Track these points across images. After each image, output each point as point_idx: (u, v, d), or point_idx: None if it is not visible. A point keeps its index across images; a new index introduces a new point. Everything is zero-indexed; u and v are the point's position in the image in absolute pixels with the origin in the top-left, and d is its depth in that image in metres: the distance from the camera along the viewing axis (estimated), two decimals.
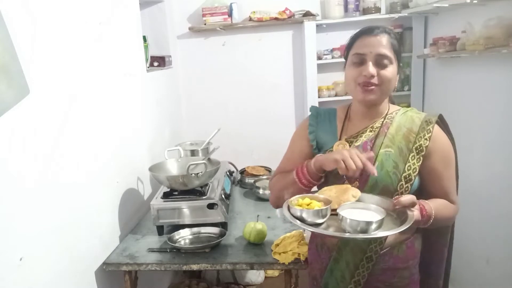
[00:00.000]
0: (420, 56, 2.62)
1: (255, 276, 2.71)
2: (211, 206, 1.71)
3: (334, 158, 1.07)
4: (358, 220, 0.97)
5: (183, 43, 3.08)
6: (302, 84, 3.10)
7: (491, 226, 2.05)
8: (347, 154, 1.05)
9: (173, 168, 1.95)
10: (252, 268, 1.54)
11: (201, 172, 1.71)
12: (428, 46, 2.44)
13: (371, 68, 1.13)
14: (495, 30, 1.76)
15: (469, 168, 2.10)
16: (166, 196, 1.79)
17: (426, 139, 1.17)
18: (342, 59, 2.98)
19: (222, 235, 1.66)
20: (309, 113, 1.35)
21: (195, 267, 1.55)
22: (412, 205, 1.05)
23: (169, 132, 2.68)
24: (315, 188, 1.23)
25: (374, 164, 1.15)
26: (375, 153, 1.19)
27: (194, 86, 3.15)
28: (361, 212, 1.04)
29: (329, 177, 1.20)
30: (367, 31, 1.18)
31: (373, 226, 0.97)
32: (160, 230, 1.78)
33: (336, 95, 3.03)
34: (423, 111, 1.28)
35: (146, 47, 2.27)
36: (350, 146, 1.22)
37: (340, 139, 1.25)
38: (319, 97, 2.99)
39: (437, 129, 1.20)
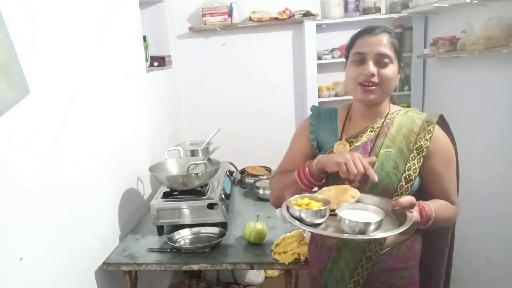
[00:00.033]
0: (420, 56, 2.62)
1: (255, 276, 2.71)
2: (211, 206, 1.71)
3: (337, 161, 1.07)
4: (357, 221, 0.97)
5: (183, 43, 3.08)
6: (302, 84, 3.10)
7: (491, 226, 2.05)
8: (349, 158, 1.05)
9: (173, 168, 1.95)
10: (252, 268, 1.54)
11: (201, 172, 1.71)
12: (428, 46, 2.44)
13: (372, 67, 1.14)
14: (495, 30, 1.76)
15: (469, 168, 2.10)
16: (166, 196, 1.79)
17: (426, 139, 1.17)
18: (342, 59, 2.99)
19: (222, 235, 1.66)
20: (310, 113, 1.35)
21: (195, 267, 1.55)
22: (411, 206, 1.05)
23: (169, 132, 2.68)
24: (315, 188, 1.23)
25: (374, 165, 1.15)
26: (375, 153, 1.19)
27: (194, 86, 3.15)
28: (359, 213, 1.04)
29: (329, 177, 1.20)
30: (367, 31, 1.18)
31: (372, 227, 0.97)
32: (160, 230, 1.78)
33: (336, 95, 3.03)
34: (423, 111, 1.27)
35: (146, 47, 2.27)
36: (350, 146, 1.22)
37: (340, 139, 1.25)
38: (319, 97, 2.99)
39: (438, 130, 1.19)
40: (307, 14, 2.86)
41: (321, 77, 3.02)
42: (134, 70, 2.05)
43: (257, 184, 2.22)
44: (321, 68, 2.99)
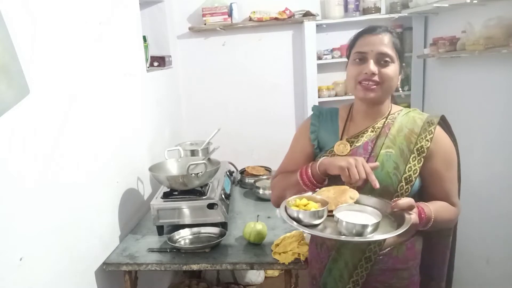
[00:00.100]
0: (420, 56, 2.62)
1: (255, 276, 2.71)
2: (211, 206, 1.71)
3: (339, 165, 1.07)
4: (354, 223, 0.97)
5: (183, 43, 3.08)
6: (302, 84, 3.10)
7: (491, 226, 2.05)
8: (352, 163, 1.05)
9: (173, 168, 1.95)
10: (252, 268, 1.54)
11: (201, 172, 1.71)
12: (428, 46, 2.44)
13: (372, 66, 1.14)
14: (495, 30, 1.76)
15: (469, 168, 2.09)
16: (166, 196, 1.79)
17: (427, 140, 1.17)
18: (342, 59, 2.99)
19: (222, 235, 1.66)
20: (310, 113, 1.35)
21: (195, 267, 1.55)
22: (410, 208, 1.05)
23: (169, 132, 2.68)
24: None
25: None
26: (375, 153, 1.19)
27: (194, 86, 3.15)
28: (356, 214, 1.04)
29: (330, 178, 1.20)
30: (369, 30, 1.19)
31: (369, 229, 0.97)
32: (160, 230, 1.78)
33: (336, 95, 3.03)
34: (423, 111, 1.27)
35: (146, 47, 2.27)
36: (351, 146, 1.22)
37: (341, 139, 1.25)
38: (319, 97, 2.99)
39: (439, 131, 1.19)
40: (307, 14, 2.86)
41: (321, 77, 3.02)
42: (134, 70, 2.05)
43: (257, 184, 2.22)
44: (321, 68, 2.99)
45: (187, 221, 1.74)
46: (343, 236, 0.99)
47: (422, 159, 1.16)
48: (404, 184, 1.15)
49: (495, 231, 2.02)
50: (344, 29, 2.92)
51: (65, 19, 1.40)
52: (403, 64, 1.22)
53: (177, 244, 1.63)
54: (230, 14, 2.88)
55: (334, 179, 1.18)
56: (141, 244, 1.71)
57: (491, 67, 1.99)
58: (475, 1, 1.84)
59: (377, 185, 1.05)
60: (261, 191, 2.14)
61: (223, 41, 3.08)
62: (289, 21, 2.90)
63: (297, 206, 1.09)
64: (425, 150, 1.16)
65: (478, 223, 2.12)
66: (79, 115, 1.46)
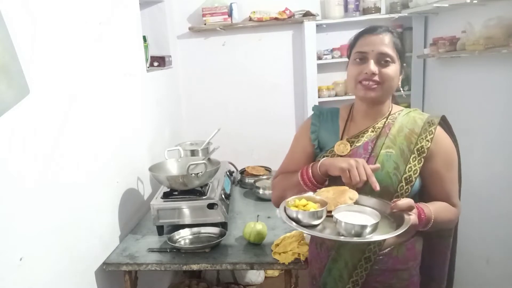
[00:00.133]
0: (420, 56, 2.62)
1: (255, 276, 2.71)
2: (211, 206, 1.71)
3: (340, 167, 1.07)
4: (353, 223, 0.97)
5: (183, 43, 3.08)
6: (302, 84, 3.10)
7: (491, 226, 2.05)
8: (353, 164, 1.05)
9: (173, 168, 1.95)
10: (252, 268, 1.54)
11: (201, 172, 1.71)
12: (428, 46, 2.44)
13: (372, 66, 1.14)
14: (495, 30, 1.76)
15: (469, 168, 2.09)
16: (166, 196, 1.79)
17: (427, 140, 1.17)
18: (342, 59, 2.99)
19: (222, 235, 1.66)
20: (310, 113, 1.35)
21: (195, 267, 1.55)
22: (410, 209, 1.04)
23: (169, 132, 2.68)
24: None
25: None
26: (376, 153, 1.19)
27: (194, 86, 3.15)
28: (355, 215, 1.04)
29: (330, 178, 1.20)
30: (369, 30, 1.19)
31: (368, 229, 0.97)
32: (160, 230, 1.78)
33: (336, 95, 3.03)
34: (423, 111, 1.27)
35: (146, 47, 2.27)
36: (351, 146, 1.22)
37: (341, 139, 1.25)
38: (319, 97, 2.99)
39: (439, 131, 1.19)
40: (307, 14, 2.86)
41: (321, 77, 3.02)
42: (134, 70, 2.05)
43: (257, 184, 2.22)
44: (321, 68, 2.99)
45: (187, 221, 1.74)
46: (342, 237, 0.99)
47: (422, 159, 1.16)
48: (404, 184, 1.15)
49: (495, 231, 2.02)
50: (344, 29, 2.92)
51: (65, 19, 1.40)
52: (404, 64, 1.22)
53: (177, 244, 1.63)
54: (230, 14, 2.88)
55: (334, 180, 1.18)
56: (141, 244, 1.71)
57: (491, 67, 1.99)
58: (475, 1, 1.84)
59: (377, 188, 1.05)
60: (261, 191, 2.14)
61: (223, 41, 3.08)
62: (289, 21, 2.90)
63: (296, 206, 1.09)
64: (426, 150, 1.16)
65: (478, 223, 2.12)
66: (79, 115, 1.46)
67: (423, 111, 1.27)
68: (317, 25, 2.88)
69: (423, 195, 1.22)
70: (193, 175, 1.70)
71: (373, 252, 1.18)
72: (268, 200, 2.07)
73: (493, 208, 2.03)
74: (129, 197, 1.91)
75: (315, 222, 1.06)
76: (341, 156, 1.21)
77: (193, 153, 2.23)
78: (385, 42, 1.15)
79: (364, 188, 1.14)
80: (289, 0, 2.92)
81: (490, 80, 2.01)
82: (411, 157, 1.16)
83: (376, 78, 1.14)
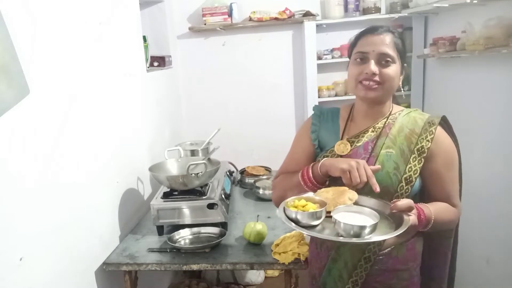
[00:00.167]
0: (420, 56, 2.62)
1: (255, 276, 2.71)
2: (211, 206, 1.71)
3: (341, 168, 1.07)
4: (352, 224, 0.97)
5: (183, 43, 3.08)
6: (302, 84, 3.10)
7: (491, 226, 2.05)
8: (354, 165, 1.05)
9: (173, 168, 1.95)
10: (252, 268, 1.54)
11: (201, 172, 1.71)
12: (428, 46, 2.44)
13: (373, 66, 1.14)
14: (495, 30, 1.76)
15: (469, 168, 2.09)
16: (166, 196, 1.79)
17: (428, 140, 1.17)
18: (342, 59, 2.99)
19: (222, 235, 1.66)
20: (310, 113, 1.36)
21: (195, 267, 1.55)
22: (409, 209, 1.04)
23: (169, 132, 2.68)
24: None
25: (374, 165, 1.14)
26: (376, 153, 1.19)
27: (194, 86, 3.15)
28: (354, 215, 1.04)
29: (331, 179, 1.20)
30: (370, 30, 1.19)
31: (367, 230, 0.97)
32: (160, 230, 1.77)
33: (336, 95, 3.03)
34: (423, 111, 1.27)
35: (146, 47, 2.27)
36: (351, 146, 1.22)
37: (342, 139, 1.25)
38: (319, 97, 2.99)
39: (440, 131, 1.19)
40: (307, 14, 2.86)
41: (321, 77, 3.02)
42: (134, 70, 2.05)
43: (257, 184, 2.22)
44: (321, 68, 2.99)
45: (187, 221, 1.74)
46: (341, 238, 0.99)
47: (423, 160, 1.16)
48: (404, 184, 1.15)
49: (495, 231, 2.02)
50: (344, 29, 2.92)
51: (65, 19, 1.40)
52: (405, 64, 1.22)
53: (177, 244, 1.63)
54: (230, 14, 2.88)
55: (335, 180, 1.18)
56: (141, 244, 1.71)
57: (491, 67, 1.99)
58: (475, 1, 1.84)
59: (378, 189, 1.05)
60: (261, 191, 2.14)
61: (223, 41, 3.08)
62: (289, 21, 2.90)
63: (295, 207, 1.09)
64: (426, 150, 1.16)
65: (478, 223, 2.12)
66: (79, 115, 1.46)
67: (423, 111, 1.27)
68: (317, 25, 2.88)
69: (423, 195, 1.22)
70: (193, 175, 1.70)
71: (373, 252, 1.18)
72: (268, 200, 2.07)
73: (493, 208, 2.03)
74: (129, 197, 1.91)
75: (314, 223, 1.06)
76: (341, 156, 1.21)
77: (193, 153, 2.23)
78: (386, 42, 1.15)
79: (364, 189, 1.14)
80: (289, 0, 2.92)
81: (490, 80, 2.01)
82: (411, 157, 1.16)
83: (377, 78, 1.14)
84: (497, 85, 1.94)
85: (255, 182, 2.26)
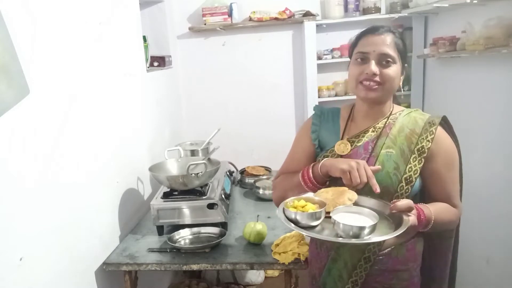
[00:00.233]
0: (420, 56, 2.62)
1: (255, 276, 2.71)
2: (211, 206, 1.71)
3: (341, 168, 1.07)
4: (351, 225, 0.97)
5: (183, 43, 3.08)
6: (302, 84, 3.10)
7: (491, 226, 2.05)
8: (354, 166, 1.05)
9: (173, 168, 1.95)
10: (252, 268, 1.54)
11: (201, 172, 1.71)
12: (428, 46, 2.44)
13: (373, 67, 1.14)
14: (495, 30, 1.76)
15: (469, 168, 2.09)
16: (166, 196, 1.79)
17: (428, 140, 1.16)
18: (342, 59, 2.98)
19: (222, 235, 1.66)
20: (310, 113, 1.36)
21: (195, 267, 1.55)
22: (409, 209, 1.04)
23: (169, 132, 2.68)
24: None
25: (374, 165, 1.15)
26: (376, 153, 1.19)
27: (194, 86, 3.15)
28: (354, 216, 1.04)
29: (331, 179, 1.20)
30: (371, 30, 1.19)
31: (366, 231, 0.97)
32: (160, 230, 1.77)
33: (336, 95, 3.03)
34: (423, 111, 1.27)
35: (146, 47, 2.27)
36: (351, 146, 1.22)
37: (342, 139, 1.25)
38: (319, 97, 2.99)
39: (440, 131, 1.19)
40: (307, 14, 2.86)
41: (321, 77, 3.02)
42: (134, 70, 2.05)
43: (257, 184, 2.22)
44: (321, 68, 2.99)
45: (187, 221, 1.74)
46: (340, 238, 0.99)
47: (423, 160, 1.16)
48: (404, 184, 1.15)
49: (495, 231, 2.02)
50: (344, 29, 2.91)
51: (65, 19, 1.40)
52: (405, 64, 1.22)
53: (177, 244, 1.63)
54: (230, 14, 2.88)
55: (335, 180, 1.18)
56: (141, 244, 1.71)
57: (491, 67, 1.99)
58: (475, 1, 1.84)
59: (378, 190, 1.05)
60: (261, 191, 2.14)
61: (223, 41, 3.08)
62: (289, 21, 2.90)
63: (295, 207, 1.09)
64: (426, 150, 1.16)
65: (478, 223, 2.12)
66: (79, 115, 1.46)
67: (423, 111, 1.27)
68: (317, 25, 2.88)
69: (423, 195, 1.22)
70: (193, 175, 1.70)
71: (373, 252, 1.18)
72: (268, 200, 2.07)
73: (493, 208, 2.03)
74: (129, 197, 1.91)
75: (314, 223, 1.06)
76: (341, 156, 1.21)
77: (193, 153, 2.23)
78: (387, 43, 1.15)
79: (364, 189, 1.14)
80: (289, 0, 2.92)
81: (490, 80, 2.01)
82: (412, 157, 1.16)
83: (377, 78, 1.14)
84: (497, 85, 1.94)
85: (255, 182, 2.26)
